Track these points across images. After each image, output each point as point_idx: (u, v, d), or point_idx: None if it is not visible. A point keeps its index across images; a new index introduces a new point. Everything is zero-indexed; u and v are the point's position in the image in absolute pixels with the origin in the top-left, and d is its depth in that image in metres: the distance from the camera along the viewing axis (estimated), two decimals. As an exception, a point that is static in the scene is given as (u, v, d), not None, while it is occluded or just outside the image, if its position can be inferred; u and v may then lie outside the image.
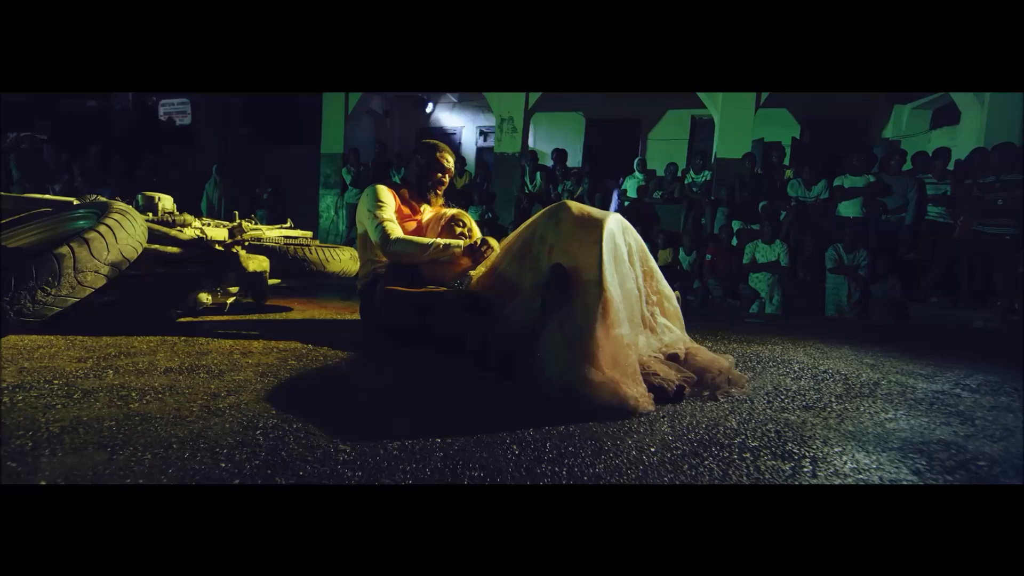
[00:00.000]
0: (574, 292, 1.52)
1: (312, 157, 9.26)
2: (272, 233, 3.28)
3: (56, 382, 1.39)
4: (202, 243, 2.37)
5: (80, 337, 1.94)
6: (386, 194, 2.46)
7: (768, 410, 1.48)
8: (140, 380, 1.45)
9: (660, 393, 1.47)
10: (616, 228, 1.63)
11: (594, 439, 1.20)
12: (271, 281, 3.14)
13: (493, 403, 1.49)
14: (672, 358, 1.68)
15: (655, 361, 1.59)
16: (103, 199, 2.40)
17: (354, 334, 2.56)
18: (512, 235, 2.01)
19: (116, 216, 1.78)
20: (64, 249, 1.61)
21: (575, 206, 1.70)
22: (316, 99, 9.21)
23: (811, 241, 5.82)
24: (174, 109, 12.51)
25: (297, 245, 3.28)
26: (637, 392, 1.37)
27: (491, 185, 7.96)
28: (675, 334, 1.75)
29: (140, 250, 1.91)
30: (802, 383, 1.83)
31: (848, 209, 5.84)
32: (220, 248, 2.48)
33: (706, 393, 1.57)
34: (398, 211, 2.50)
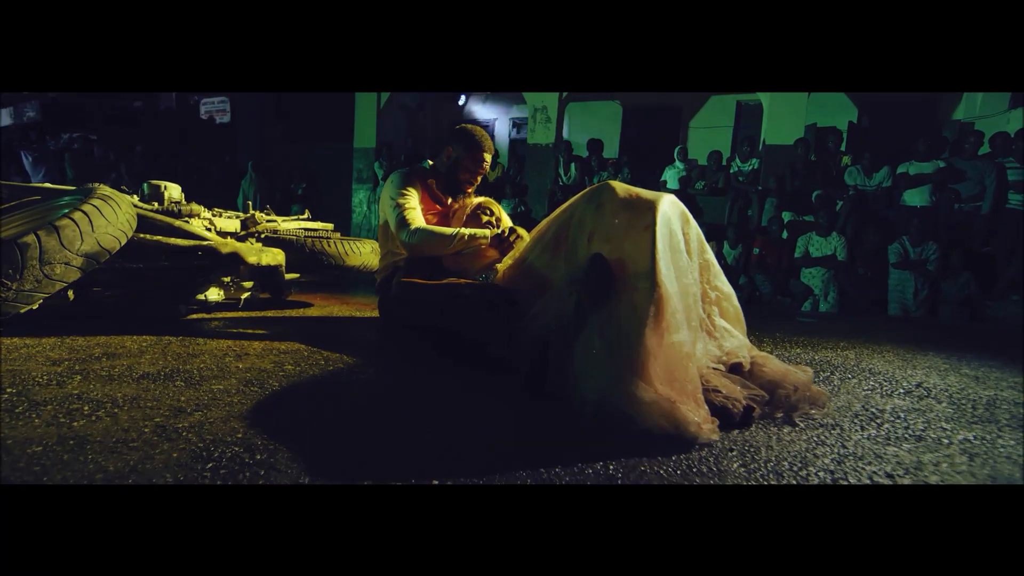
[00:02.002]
0: (618, 288, 1.24)
1: (346, 152, 9.20)
2: (289, 225, 3.09)
3: (10, 390, 1.20)
4: (193, 236, 2.18)
5: (70, 337, 1.77)
6: (411, 182, 2.22)
7: (866, 441, 1.17)
8: (105, 389, 1.24)
9: (723, 415, 1.18)
10: (672, 212, 1.34)
11: (644, 482, 0.93)
12: (288, 276, 2.97)
13: (515, 429, 1.22)
14: (735, 369, 1.38)
15: (716, 374, 1.29)
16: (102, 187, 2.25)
17: (369, 332, 2.34)
18: (545, 221, 1.73)
19: (95, 202, 1.60)
20: (29, 238, 1.42)
21: (620, 187, 1.41)
22: (349, 94, 9.14)
23: (872, 233, 5.32)
24: (214, 108, 12.79)
25: (315, 238, 3.09)
26: (698, 416, 1.08)
27: (524, 178, 7.69)
28: (737, 339, 1.45)
29: (124, 240, 1.72)
30: (896, 401, 1.49)
31: (914, 198, 5.32)
32: (219, 241, 2.29)
33: (780, 415, 1.27)
34: (423, 200, 2.26)
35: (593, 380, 1.21)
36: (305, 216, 3.35)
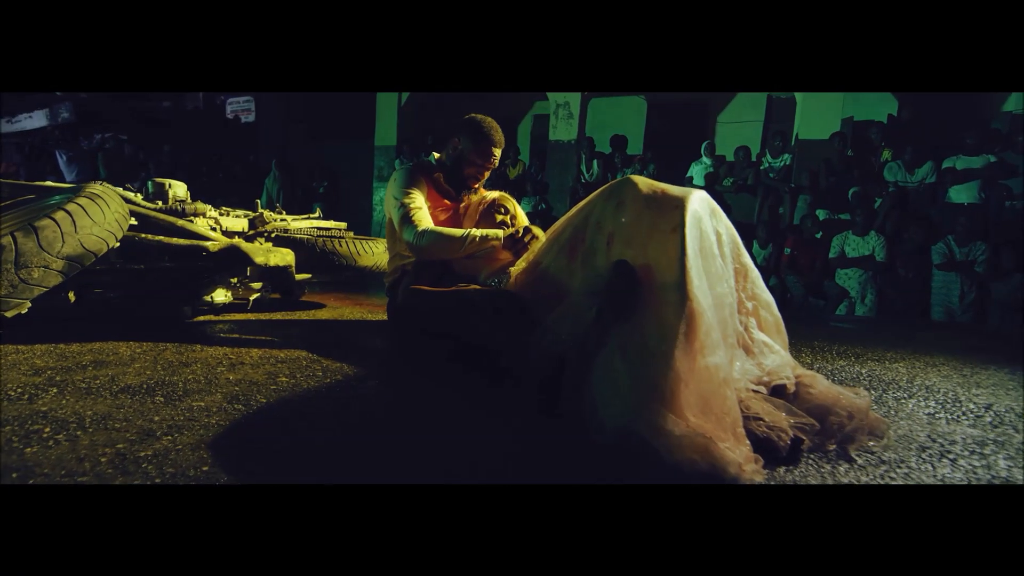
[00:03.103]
0: (644, 299, 1.09)
1: (366, 150, 9.17)
2: (300, 224, 3.00)
3: (-24, 407, 1.11)
4: (196, 235, 2.09)
5: (62, 344, 1.69)
6: (415, 179, 2.08)
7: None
8: (76, 406, 1.14)
9: (767, 448, 1.01)
10: (703, 210, 1.17)
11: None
12: (299, 276, 2.87)
13: (523, 460, 1.08)
14: (778, 391, 1.21)
15: (757, 398, 1.13)
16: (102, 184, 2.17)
17: (376, 337, 2.23)
18: (560, 221, 1.58)
19: (81, 201, 1.50)
20: (5, 240, 1.33)
21: (643, 182, 1.25)
22: (370, 92, 9.10)
23: (914, 232, 5.01)
24: (239, 107, 12.96)
25: (327, 237, 2.99)
26: (739, 453, 0.91)
27: (545, 175, 7.53)
28: (779, 356, 1.27)
29: (112, 242, 1.62)
30: (966, 429, 1.30)
31: (961, 195, 5.00)
32: (223, 241, 2.19)
33: (832, 447, 1.09)
34: (431, 197, 2.11)
35: (614, 405, 1.05)
36: (317, 215, 3.25)
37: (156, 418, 1.09)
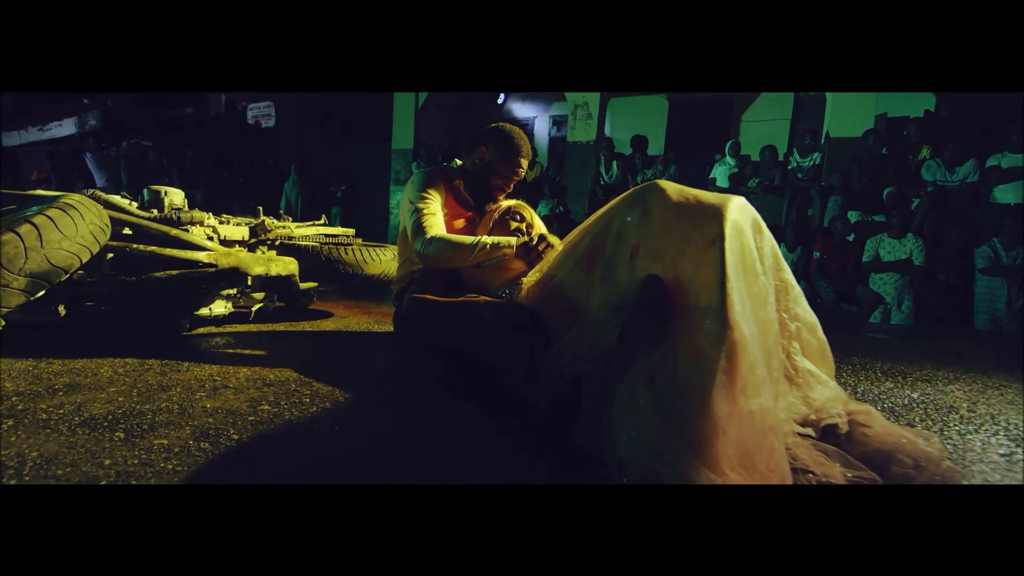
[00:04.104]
0: (675, 322, 0.92)
1: (384, 153, 9.13)
2: (304, 231, 2.89)
3: (-84, 444, 0.99)
4: (191, 246, 1.98)
5: (46, 360, 1.59)
6: (433, 183, 1.95)
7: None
8: (23, 445, 1.01)
9: (820, 507, 0.84)
10: (745, 221, 1.00)
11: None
12: (304, 285, 2.76)
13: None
14: (828, 432, 1.02)
15: (804, 444, 0.95)
16: (97, 192, 2.08)
17: (380, 352, 2.09)
18: (577, 230, 1.42)
19: (52, 213, 1.39)
20: (-39, 256, 1.22)
21: (672, 188, 1.08)
22: (387, 95, 9.07)
23: (956, 235, 4.71)
24: (260, 112, 13.10)
25: (333, 245, 2.87)
26: (788, 524, 0.74)
27: (564, 177, 7.36)
28: (827, 388, 1.09)
29: (86, 256, 1.51)
30: (1052, 474, 1.10)
31: (1007, 195, 4.69)
32: (220, 251, 2.08)
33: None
34: (448, 205, 1.99)
35: (636, 444, 0.89)
36: (322, 221, 3.14)
37: (107, 461, 0.95)
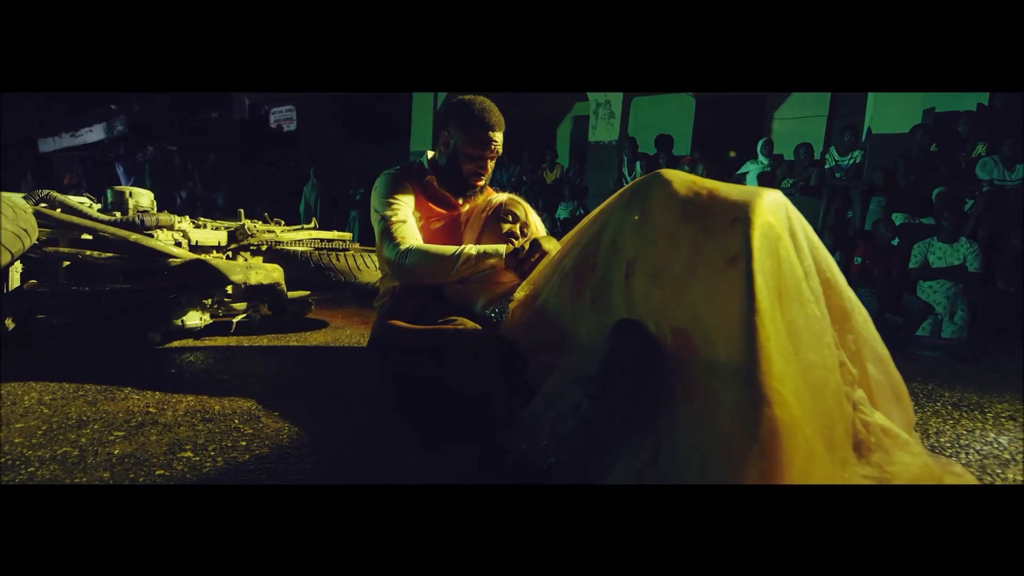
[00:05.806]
0: (680, 382, 0.64)
1: (402, 155, 8.99)
2: (293, 235, 2.68)
3: None
4: (155, 252, 1.77)
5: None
6: (399, 185, 1.69)
7: None
8: None
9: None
10: (781, 223, 0.70)
11: None
12: (294, 294, 2.55)
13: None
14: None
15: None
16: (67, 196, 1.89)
17: (362, 377, 1.85)
18: (568, 235, 1.16)
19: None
20: None
21: (680, 178, 0.80)
22: (406, 97, 8.96)
23: (1016, 239, 4.27)
24: (282, 116, 13.24)
25: (323, 250, 2.66)
26: None
27: (585, 179, 7.07)
28: (910, 452, 0.79)
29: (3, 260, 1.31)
30: None
31: (1075, 195, 4.23)
32: (186, 257, 1.87)
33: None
34: (421, 207, 1.72)
35: None
36: (312, 225, 2.93)
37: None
